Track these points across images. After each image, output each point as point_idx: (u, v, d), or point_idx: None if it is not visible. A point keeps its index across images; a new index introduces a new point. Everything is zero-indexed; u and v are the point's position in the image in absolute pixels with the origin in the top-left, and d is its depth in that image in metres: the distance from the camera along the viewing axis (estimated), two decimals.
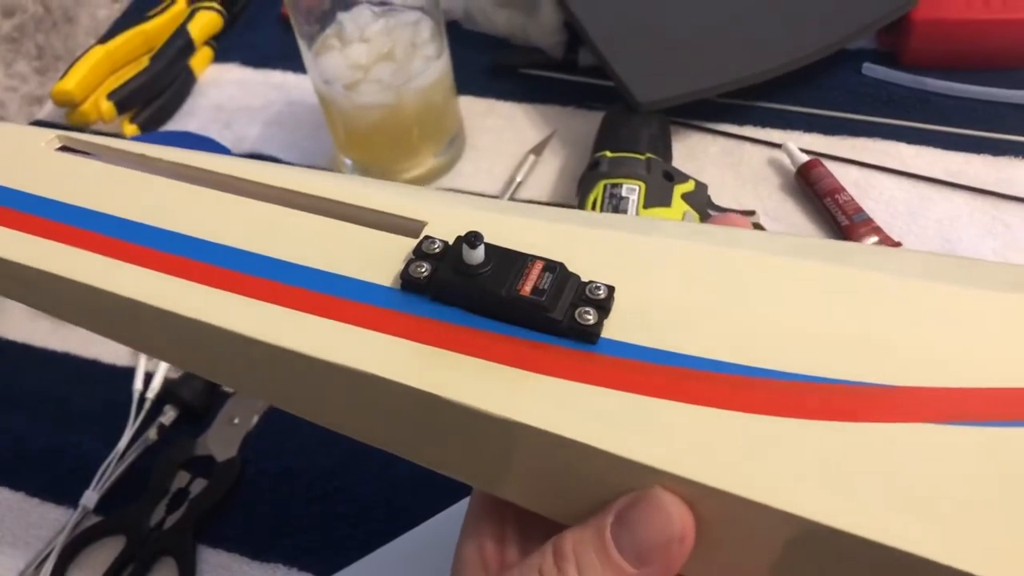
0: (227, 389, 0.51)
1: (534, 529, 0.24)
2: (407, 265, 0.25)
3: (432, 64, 0.55)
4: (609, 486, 0.22)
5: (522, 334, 0.23)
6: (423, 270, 0.25)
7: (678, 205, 0.51)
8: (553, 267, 0.24)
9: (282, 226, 0.27)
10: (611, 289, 0.24)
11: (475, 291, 0.24)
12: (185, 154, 0.30)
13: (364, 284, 0.25)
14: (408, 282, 0.25)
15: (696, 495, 0.20)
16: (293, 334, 0.24)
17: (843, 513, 0.19)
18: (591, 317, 0.23)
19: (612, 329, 0.23)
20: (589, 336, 0.23)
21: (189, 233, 0.27)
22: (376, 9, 0.56)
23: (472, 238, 0.24)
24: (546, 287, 0.23)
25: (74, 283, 0.26)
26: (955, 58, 0.60)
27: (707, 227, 0.27)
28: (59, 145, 0.32)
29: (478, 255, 0.24)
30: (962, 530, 0.19)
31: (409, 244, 0.26)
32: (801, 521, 0.19)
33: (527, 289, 0.23)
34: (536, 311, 0.23)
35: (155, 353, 0.29)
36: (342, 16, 0.55)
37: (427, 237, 0.26)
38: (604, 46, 0.57)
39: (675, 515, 0.21)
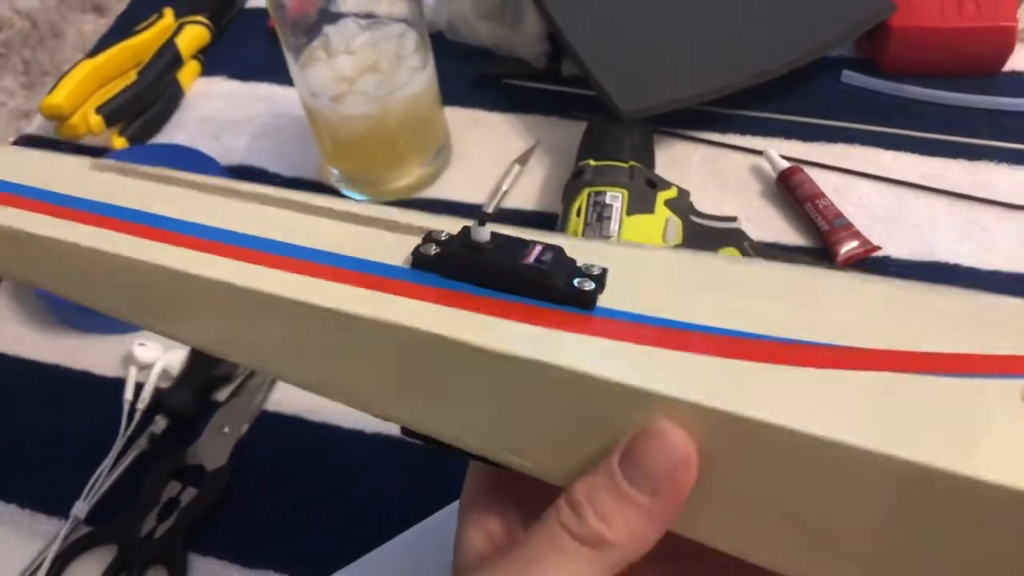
0: (218, 398, 0.51)
1: (534, 506, 0.25)
2: (418, 247, 0.27)
3: (417, 75, 0.56)
4: (615, 425, 0.23)
5: (527, 302, 0.25)
6: (433, 250, 0.26)
7: (661, 211, 0.52)
8: (553, 248, 0.26)
9: (304, 225, 0.30)
10: (604, 269, 0.26)
11: (482, 264, 0.26)
12: (214, 178, 0.33)
13: (379, 264, 0.27)
14: (419, 260, 0.27)
15: (695, 420, 0.22)
16: (324, 295, 0.26)
17: (826, 426, 0.21)
18: (589, 285, 0.25)
19: (606, 301, 0.25)
20: (587, 301, 0.25)
21: (226, 227, 0.29)
22: (362, 22, 0.57)
23: (480, 218, 0.26)
24: (547, 260, 0.25)
25: (124, 259, 0.29)
26: (932, 65, 0.61)
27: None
28: (93, 166, 0.34)
29: (485, 233, 0.26)
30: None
31: (417, 240, 0.28)
32: (802, 437, 0.21)
33: (530, 261, 0.25)
34: (539, 278, 0.25)
35: (186, 333, 0.31)
36: (328, 29, 0.56)
37: (433, 230, 0.27)
38: (586, 56, 0.58)
39: (677, 440, 0.22)
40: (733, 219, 0.53)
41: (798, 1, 0.62)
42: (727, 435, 0.22)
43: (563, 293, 0.25)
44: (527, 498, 0.26)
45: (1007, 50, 0.60)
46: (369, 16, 0.56)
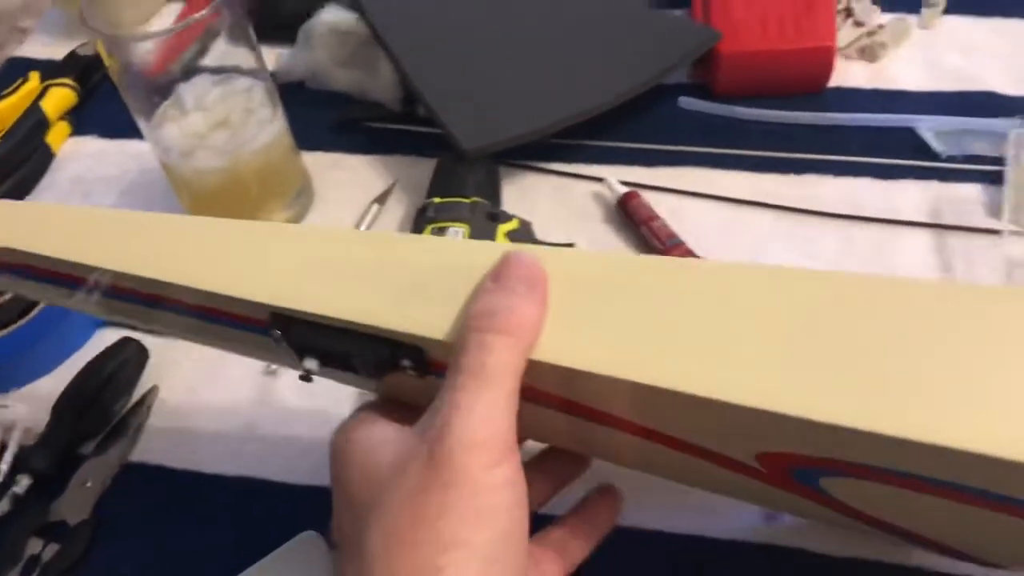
0: (84, 452, 0.52)
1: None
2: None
3: (266, 127, 0.58)
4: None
5: None
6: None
7: (501, 242, 0.54)
8: None
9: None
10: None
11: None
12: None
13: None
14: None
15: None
16: None
17: None
18: None
19: None
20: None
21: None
22: (214, 78, 0.59)
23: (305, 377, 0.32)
24: None
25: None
26: (761, 86, 0.65)
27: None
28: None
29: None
30: None
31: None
32: None
33: None
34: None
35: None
36: (181, 87, 0.58)
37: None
38: (432, 99, 0.61)
39: (526, 255, 0.30)
40: (571, 245, 0.56)
41: (631, 35, 0.65)
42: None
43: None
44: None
45: (827, 68, 0.64)
46: (220, 71, 0.58)
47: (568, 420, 0.33)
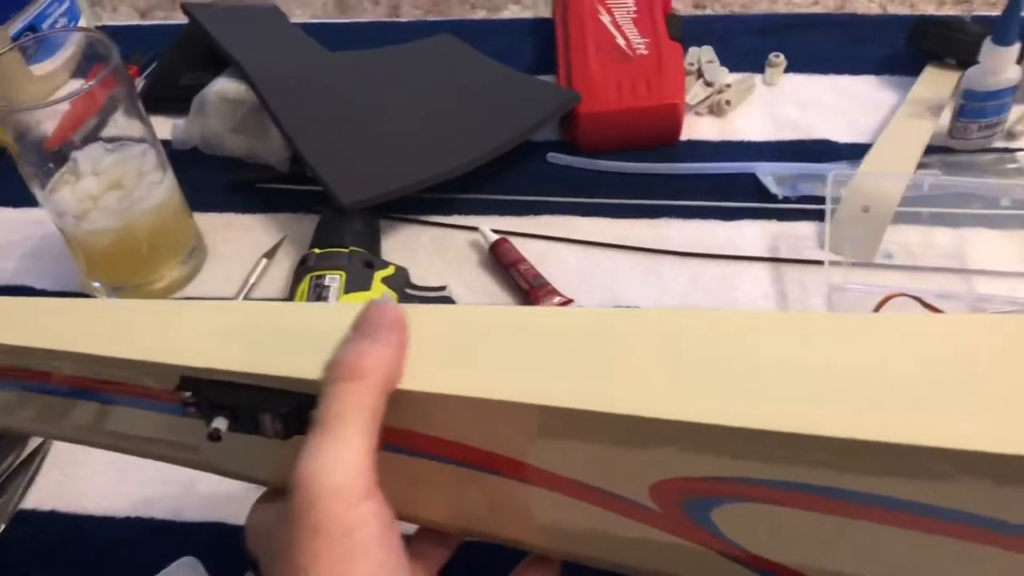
0: None
1: None
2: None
3: (156, 189, 0.62)
4: None
5: None
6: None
7: (377, 288, 0.59)
8: None
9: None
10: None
11: None
12: None
13: None
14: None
15: None
16: None
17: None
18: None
19: None
20: None
21: None
22: (108, 145, 0.63)
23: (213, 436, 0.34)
24: None
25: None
26: (619, 141, 0.71)
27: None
28: None
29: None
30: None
31: None
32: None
33: None
34: None
35: None
36: (76, 154, 0.62)
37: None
38: (313, 160, 0.66)
39: (388, 303, 0.33)
40: (443, 288, 0.61)
41: (499, 98, 0.72)
42: None
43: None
44: None
45: (677, 123, 0.71)
46: (114, 140, 0.62)
47: (457, 474, 0.34)
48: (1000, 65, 0.63)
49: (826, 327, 0.31)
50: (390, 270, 0.60)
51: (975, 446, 0.26)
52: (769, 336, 0.31)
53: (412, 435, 0.33)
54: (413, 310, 0.34)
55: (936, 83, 0.70)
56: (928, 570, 0.30)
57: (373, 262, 0.60)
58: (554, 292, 0.61)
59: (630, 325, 0.32)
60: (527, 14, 1.45)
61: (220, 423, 0.34)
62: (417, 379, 0.32)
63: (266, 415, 0.33)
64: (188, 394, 0.34)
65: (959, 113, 0.66)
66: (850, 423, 0.27)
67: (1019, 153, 0.66)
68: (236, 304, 0.40)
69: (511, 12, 1.66)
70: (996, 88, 0.64)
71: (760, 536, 0.31)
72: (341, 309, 0.37)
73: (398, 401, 0.31)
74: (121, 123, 0.61)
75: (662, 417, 0.29)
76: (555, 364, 0.31)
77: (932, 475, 0.27)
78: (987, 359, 0.29)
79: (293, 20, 0.87)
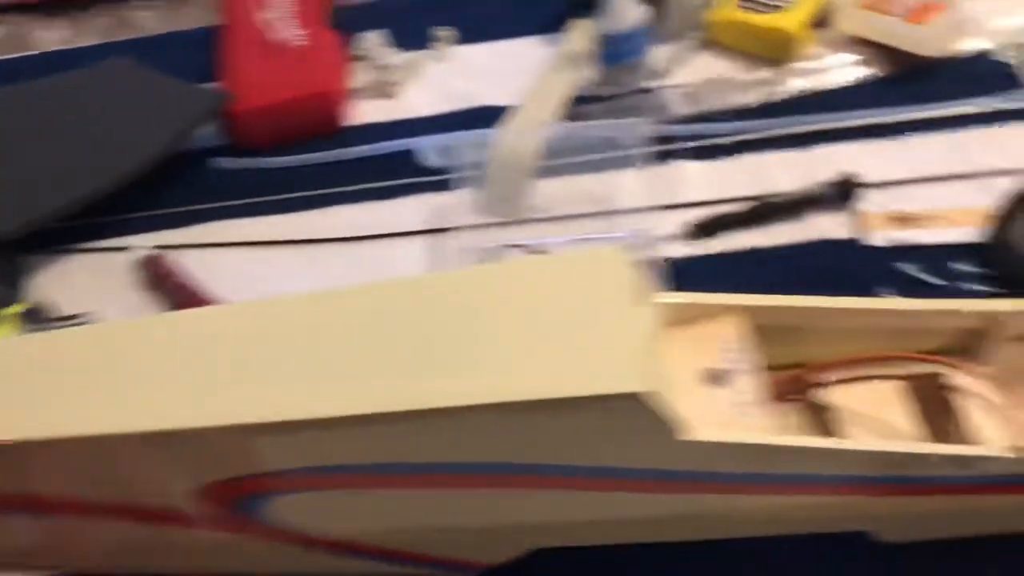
0: None
1: None
2: None
3: None
4: None
5: None
6: None
7: (10, 324, 0.56)
8: None
9: None
10: None
11: None
12: None
13: None
14: None
15: None
16: None
17: None
18: None
19: None
20: None
21: None
22: None
23: None
24: None
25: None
26: (280, 135, 0.69)
27: None
28: None
29: None
30: None
31: None
32: None
33: None
34: None
35: None
36: None
37: None
38: None
39: None
40: (80, 316, 0.58)
41: (148, 109, 0.69)
42: None
43: None
44: None
45: (334, 109, 0.70)
46: None
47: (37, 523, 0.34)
48: (624, 7, 0.65)
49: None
50: (21, 306, 0.57)
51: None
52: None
53: None
54: None
55: (581, 35, 0.70)
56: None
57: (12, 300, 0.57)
58: (205, 301, 0.59)
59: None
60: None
61: None
62: None
63: None
64: None
65: (601, 60, 0.67)
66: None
67: (658, 91, 0.68)
68: None
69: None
70: (626, 30, 0.66)
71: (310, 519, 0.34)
72: None
73: None
74: None
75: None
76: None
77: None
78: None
79: None
